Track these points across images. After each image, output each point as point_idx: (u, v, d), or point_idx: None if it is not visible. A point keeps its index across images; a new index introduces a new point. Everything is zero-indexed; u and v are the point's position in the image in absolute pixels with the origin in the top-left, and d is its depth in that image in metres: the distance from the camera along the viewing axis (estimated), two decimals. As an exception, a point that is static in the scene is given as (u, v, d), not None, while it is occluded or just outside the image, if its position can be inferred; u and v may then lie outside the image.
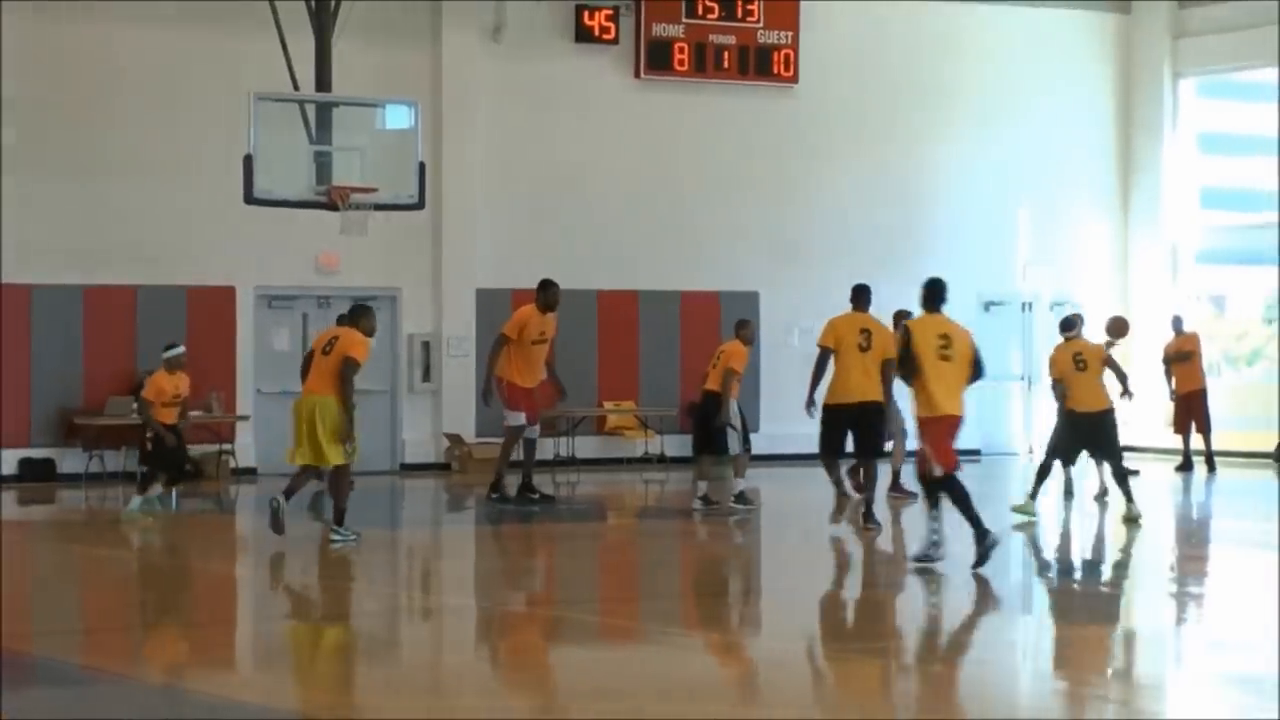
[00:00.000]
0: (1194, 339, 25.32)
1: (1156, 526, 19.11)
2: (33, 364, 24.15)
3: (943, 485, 14.38)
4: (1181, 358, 25.23)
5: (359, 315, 16.97)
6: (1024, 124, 29.40)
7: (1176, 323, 25.86)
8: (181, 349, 19.72)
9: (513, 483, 20.02)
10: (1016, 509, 18.79)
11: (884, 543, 17.15)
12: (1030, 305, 29.62)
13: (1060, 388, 18.86)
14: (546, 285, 19.98)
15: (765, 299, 27.62)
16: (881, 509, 18.22)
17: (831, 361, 17.64)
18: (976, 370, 14.91)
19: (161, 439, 19.17)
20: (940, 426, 14.45)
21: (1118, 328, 21.10)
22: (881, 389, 17.52)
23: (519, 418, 19.78)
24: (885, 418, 17.80)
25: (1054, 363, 19.25)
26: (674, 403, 26.75)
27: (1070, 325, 19.66)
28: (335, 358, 16.49)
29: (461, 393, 25.90)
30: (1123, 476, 18.62)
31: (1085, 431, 18.86)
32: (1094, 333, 21.06)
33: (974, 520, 14.25)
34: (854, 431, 17.49)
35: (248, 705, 9.85)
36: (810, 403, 17.66)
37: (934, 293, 15.18)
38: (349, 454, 16.67)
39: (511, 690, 10.39)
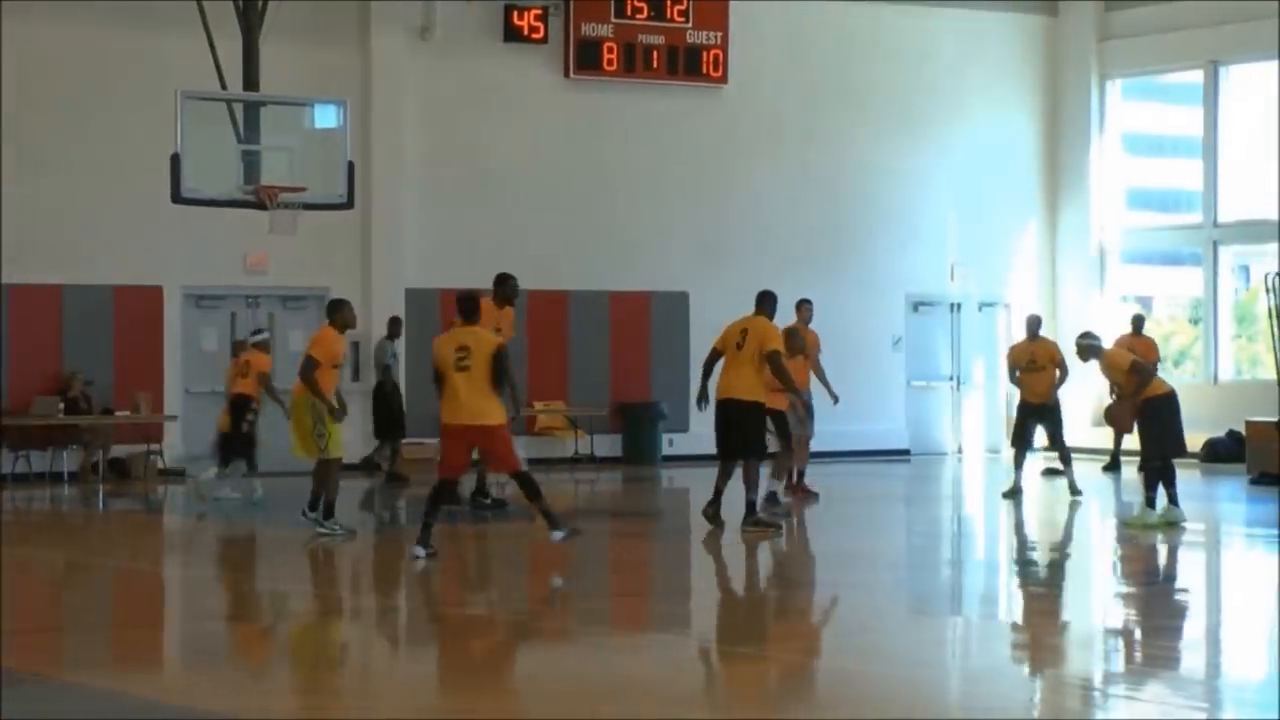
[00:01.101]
0: (1149, 343, 25.04)
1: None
2: (-43, 364, 23.93)
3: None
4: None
5: (330, 310, 17.51)
6: (952, 125, 29.54)
7: (1138, 321, 25.59)
8: (267, 334, 21.40)
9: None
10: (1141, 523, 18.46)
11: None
12: (959, 306, 29.76)
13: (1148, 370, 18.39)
14: (505, 278, 19.08)
15: (694, 299, 27.65)
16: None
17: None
18: (494, 373, 15.10)
19: (254, 413, 21.01)
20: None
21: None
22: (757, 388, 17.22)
23: None
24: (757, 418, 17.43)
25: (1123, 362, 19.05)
26: (604, 403, 26.76)
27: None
28: (303, 355, 16.85)
29: (391, 393, 25.81)
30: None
31: None
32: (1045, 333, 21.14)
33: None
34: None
35: (172, 706, 9.80)
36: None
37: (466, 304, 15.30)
38: (320, 448, 16.90)
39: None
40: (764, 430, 17.39)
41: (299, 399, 17.21)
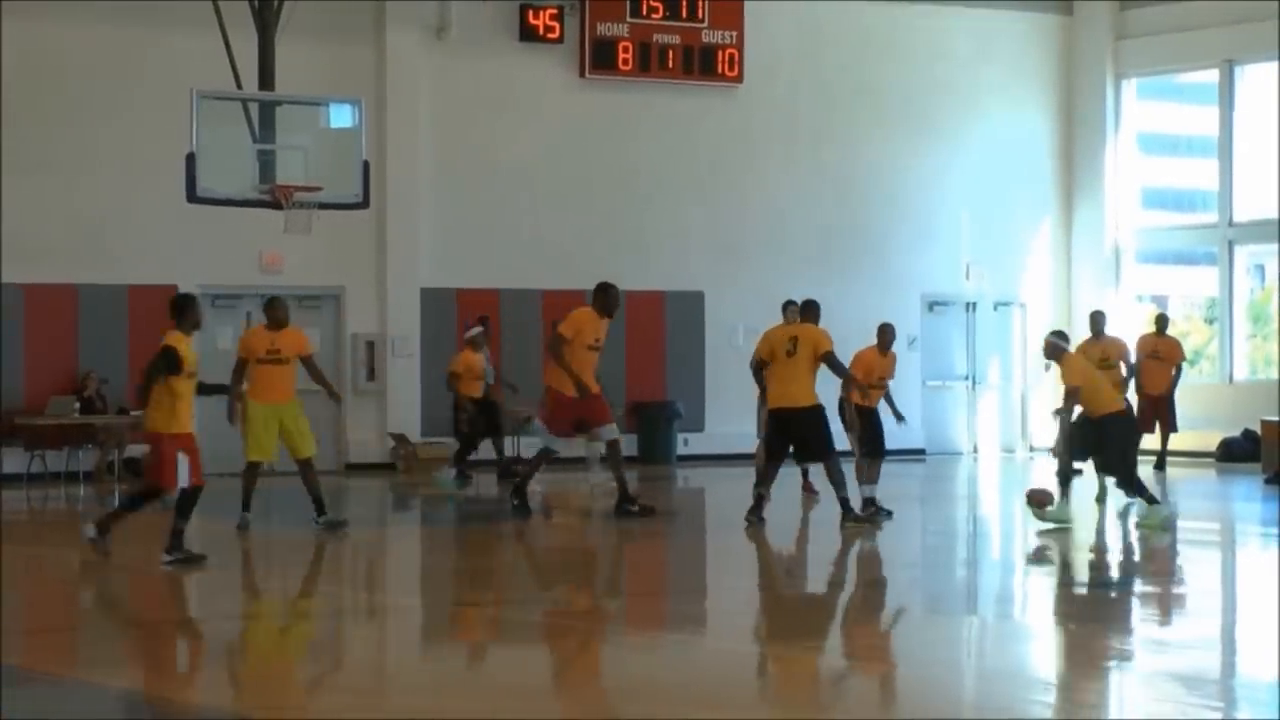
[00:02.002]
0: (1173, 344, 24.78)
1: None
2: (-27, 363, 23.98)
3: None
4: (1155, 357, 24.51)
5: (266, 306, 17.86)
6: (967, 124, 29.52)
7: (1161, 322, 25.18)
8: (481, 328, 22.17)
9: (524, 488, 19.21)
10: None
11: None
12: (974, 305, 29.73)
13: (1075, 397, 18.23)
14: (606, 288, 18.46)
15: (710, 298, 27.66)
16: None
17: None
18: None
19: (467, 411, 22.65)
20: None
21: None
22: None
23: (554, 441, 18.59)
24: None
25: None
26: (619, 402, 26.70)
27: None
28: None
29: (406, 392, 25.88)
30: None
31: None
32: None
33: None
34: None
35: (185, 705, 9.81)
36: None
37: None
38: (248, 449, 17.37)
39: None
40: (829, 430, 17.49)
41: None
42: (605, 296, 18.32)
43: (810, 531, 18.53)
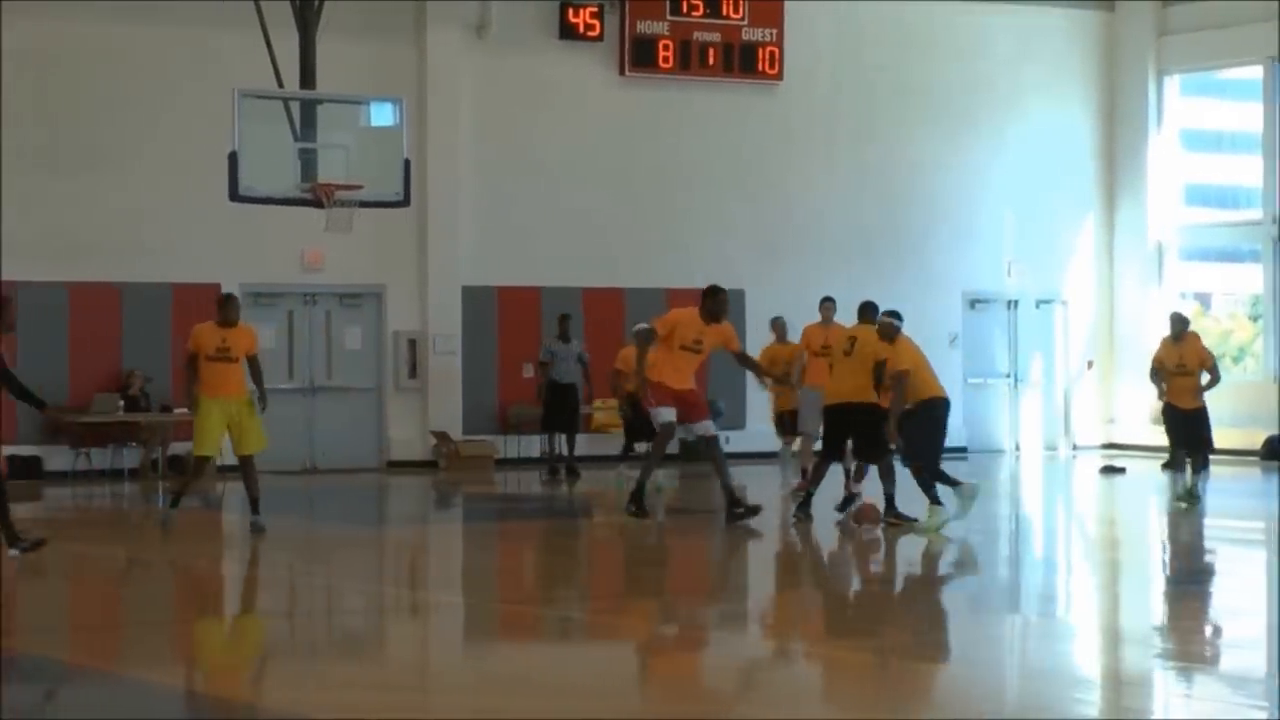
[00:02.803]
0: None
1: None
2: (18, 361, 24.03)
3: None
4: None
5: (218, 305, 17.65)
6: (1008, 121, 29.45)
7: (1178, 324, 24.80)
8: (647, 325, 20.54)
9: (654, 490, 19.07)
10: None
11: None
12: (1016, 303, 29.66)
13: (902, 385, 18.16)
14: (714, 292, 17.83)
15: (751, 296, 27.62)
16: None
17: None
18: None
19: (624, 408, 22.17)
20: None
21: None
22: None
23: (668, 413, 17.74)
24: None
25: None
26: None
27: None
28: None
29: (448, 390, 25.92)
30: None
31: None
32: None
33: None
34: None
35: (233, 703, 9.84)
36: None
37: None
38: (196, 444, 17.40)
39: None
40: (883, 428, 17.44)
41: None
42: (712, 300, 17.73)
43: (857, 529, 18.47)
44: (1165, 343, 20.14)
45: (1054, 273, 29.86)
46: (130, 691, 10.05)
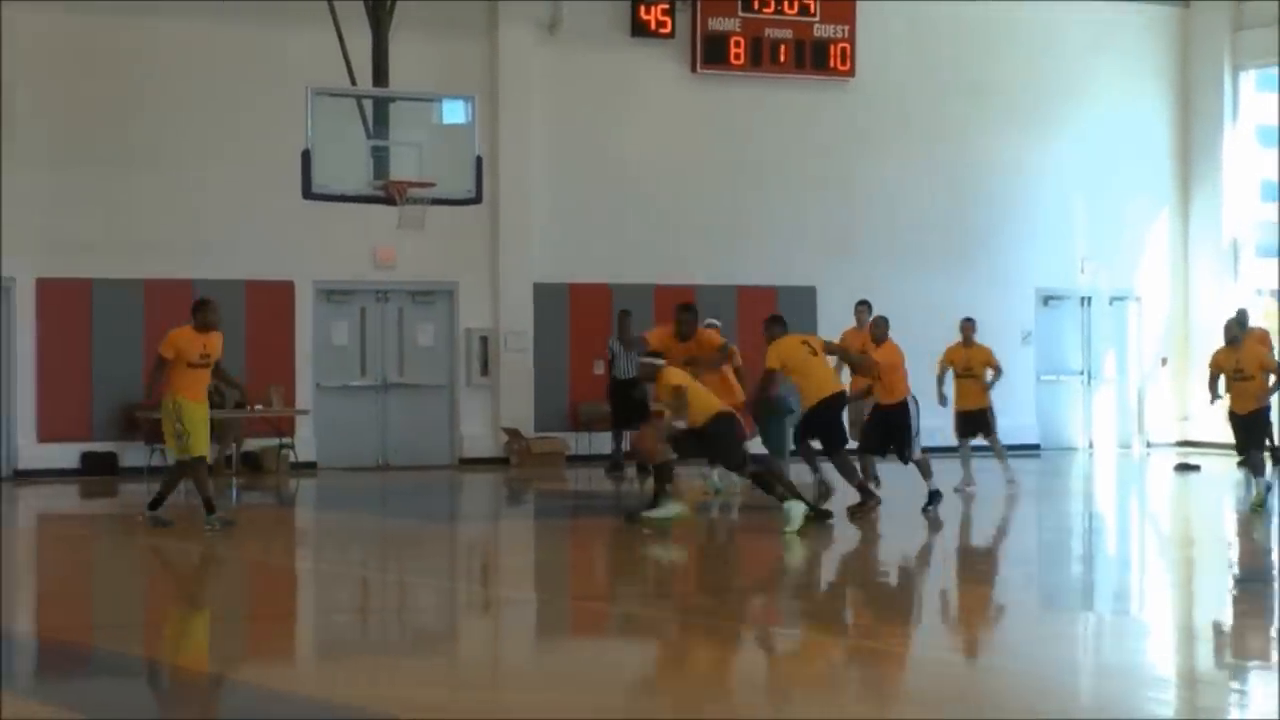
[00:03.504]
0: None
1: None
2: (93, 357, 24.29)
3: None
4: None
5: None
6: (1082, 117, 29.27)
7: (1237, 324, 24.48)
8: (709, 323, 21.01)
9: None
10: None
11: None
12: (1089, 300, 29.51)
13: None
14: (682, 309, 19.66)
15: (822, 294, 27.57)
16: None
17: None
18: None
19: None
20: None
21: None
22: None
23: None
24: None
25: None
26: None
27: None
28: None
29: (519, 387, 25.96)
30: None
31: None
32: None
33: None
34: None
35: (300, 698, 9.88)
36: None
37: None
38: (180, 447, 17.61)
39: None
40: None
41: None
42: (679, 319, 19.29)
43: (919, 523, 18.40)
44: (1224, 347, 19.66)
45: (1127, 269, 29.67)
46: (205, 687, 10.12)
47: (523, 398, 25.97)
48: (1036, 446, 28.34)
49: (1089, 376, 29.54)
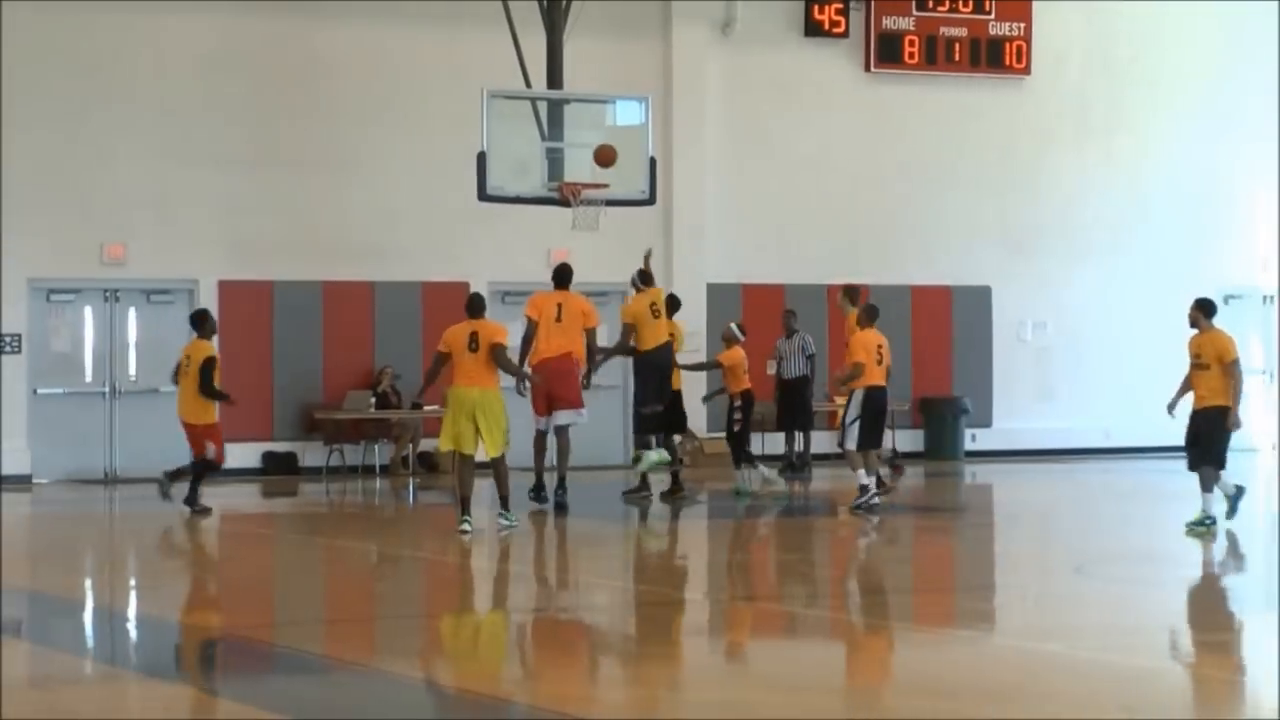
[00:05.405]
0: None
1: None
2: (274, 358, 24.66)
3: None
4: None
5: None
6: (1263, 112, 28.76)
7: None
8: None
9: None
10: None
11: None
12: (1271, 298, 29.01)
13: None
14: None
15: (997, 293, 27.36)
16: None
17: None
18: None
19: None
20: None
21: None
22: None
23: None
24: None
25: None
26: (906, 397, 26.51)
27: None
28: (485, 349, 17.08)
29: (693, 387, 25.93)
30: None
31: None
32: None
33: None
34: None
35: (487, 699, 9.96)
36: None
37: None
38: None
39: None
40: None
41: (486, 392, 17.52)
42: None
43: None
44: None
45: (1311, 267, 29.15)
46: (384, 686, 10.23)
47: (695, 399, 25.95)
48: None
49: (1271, 376, 29.04)
